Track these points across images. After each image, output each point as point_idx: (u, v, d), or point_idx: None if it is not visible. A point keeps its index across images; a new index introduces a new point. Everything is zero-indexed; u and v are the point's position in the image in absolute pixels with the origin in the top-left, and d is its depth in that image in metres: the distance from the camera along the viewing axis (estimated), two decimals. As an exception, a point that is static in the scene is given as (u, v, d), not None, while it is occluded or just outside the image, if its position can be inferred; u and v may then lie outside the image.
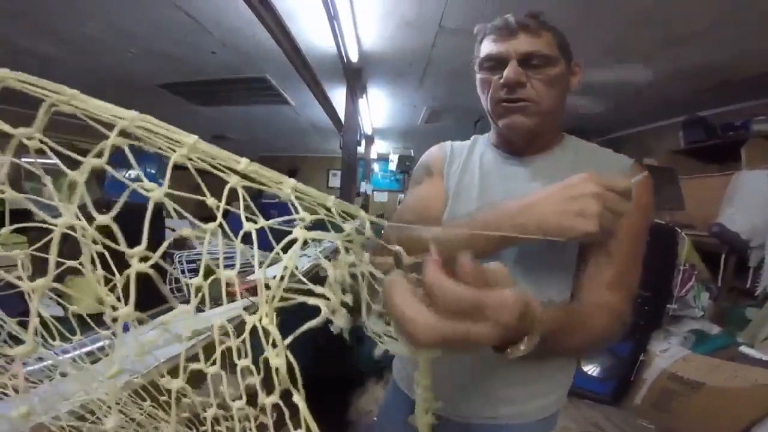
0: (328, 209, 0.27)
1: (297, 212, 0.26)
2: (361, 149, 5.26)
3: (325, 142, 6.43)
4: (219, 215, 0.26)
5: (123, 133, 0.24)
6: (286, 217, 0.27)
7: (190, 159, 0.24)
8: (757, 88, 3.14)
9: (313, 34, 2.62)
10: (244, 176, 0.25)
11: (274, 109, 4.62)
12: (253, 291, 1.23)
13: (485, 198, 0.82)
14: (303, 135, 6.17)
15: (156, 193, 0.24)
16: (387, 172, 7.70)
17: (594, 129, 4.80)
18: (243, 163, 0.25)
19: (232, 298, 1.16)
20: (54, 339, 0.38)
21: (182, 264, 1.60)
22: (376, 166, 7.84)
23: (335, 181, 7.29)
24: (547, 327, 0.42)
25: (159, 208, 0.25)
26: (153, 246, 0.25)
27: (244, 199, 0.27)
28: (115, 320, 0.25)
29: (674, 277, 2.62)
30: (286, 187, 0.26)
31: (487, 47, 0.79)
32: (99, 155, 0.25)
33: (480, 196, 0.83)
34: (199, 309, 0.29)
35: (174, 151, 0.24)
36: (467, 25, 2.67)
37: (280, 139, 6.68)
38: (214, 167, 0.25)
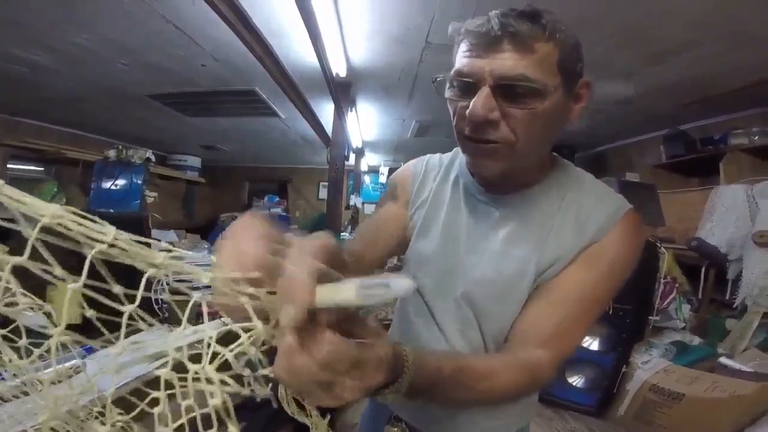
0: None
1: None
2: (351, 162, 5.28)
3: (315, 154, 6.45)
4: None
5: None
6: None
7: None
8: (737, 101, 3.24)
9: (302, 49, 2.66)
10: (112, 245, 0.25)
11: (264, 121, 4.65)
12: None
13: (448, 237, 0.72)
14: (293, 147, 6.19)
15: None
16: (377, 184, 7.68)
17: (579, 143, 4.88)
18: (110, 235, 0.25)
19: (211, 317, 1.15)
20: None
21: (167, 276, 1.60)
22: (367, 179, 7.87)
23: (325, 193, 7.27)
24: (425, 376, 0.43)
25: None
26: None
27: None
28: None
29: (656, 290, 2.66)
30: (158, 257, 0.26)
31: (459, 59, 0.58)
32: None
33: (443, 233, 0.73)
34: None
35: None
36: (453, 41, 2.74)
37: (271, 151, 6.69)
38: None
